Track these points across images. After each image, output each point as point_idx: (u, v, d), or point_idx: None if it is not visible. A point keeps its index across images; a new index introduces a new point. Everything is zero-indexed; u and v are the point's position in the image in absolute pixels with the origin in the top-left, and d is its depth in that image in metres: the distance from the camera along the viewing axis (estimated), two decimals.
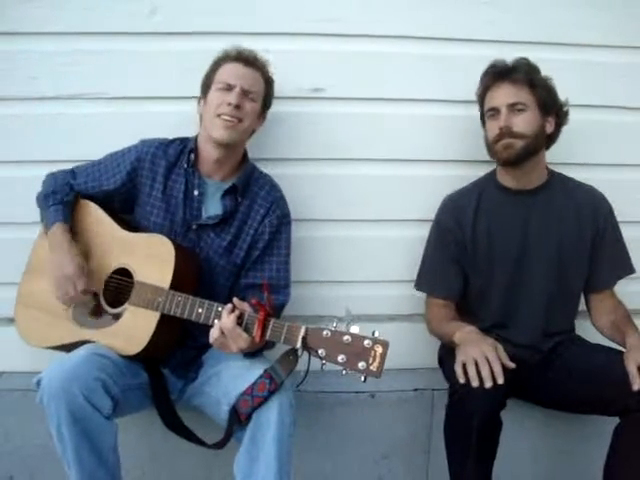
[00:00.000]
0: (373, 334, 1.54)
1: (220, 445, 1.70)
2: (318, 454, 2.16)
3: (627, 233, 2.11)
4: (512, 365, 1.74)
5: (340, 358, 1.54)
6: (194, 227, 1.90)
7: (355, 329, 1.56)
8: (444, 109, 2.22)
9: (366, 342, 1.53)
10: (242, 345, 1.64)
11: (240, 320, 1.64)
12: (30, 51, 2.07)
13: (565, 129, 2.04)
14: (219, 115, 1.84)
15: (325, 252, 2.25)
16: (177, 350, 1.87)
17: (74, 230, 1.91)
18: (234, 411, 1.63)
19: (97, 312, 1.84)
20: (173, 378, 1.89)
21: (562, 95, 2.01)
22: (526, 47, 2.12)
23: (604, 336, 2.05)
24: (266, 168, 2.04)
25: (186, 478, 2.13)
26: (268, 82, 1.96)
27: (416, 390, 2.20)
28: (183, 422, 1.81)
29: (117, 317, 1.81)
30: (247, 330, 1.63)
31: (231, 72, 1.87)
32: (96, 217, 1.94)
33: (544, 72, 1.99)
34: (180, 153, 1.94)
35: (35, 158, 2.12)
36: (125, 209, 1.99)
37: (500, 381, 1.68)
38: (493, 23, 2.18)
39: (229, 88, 1.85)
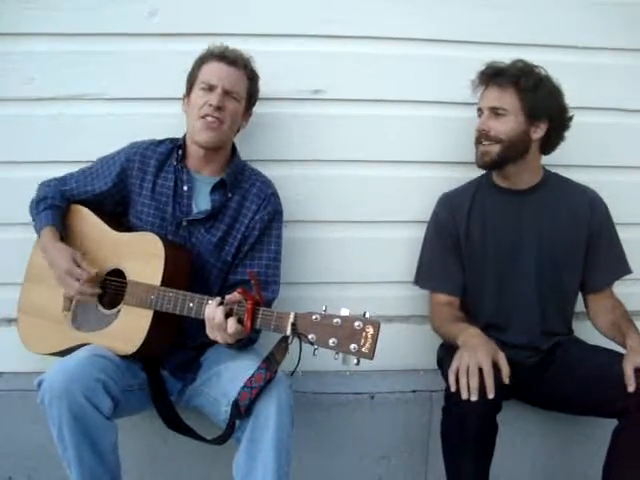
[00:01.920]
0: (364, 315, 1.50)
1: (221, 440, 1.69)
2: (317, 455, 2.16)
3: (629, 235, 2.12)
4: (507, 381, 1.73)
5: (331, 342, 1.50)
6: (184, 223, 1.89)
7: (345, 311, 1.52)
8: (442, 111, 2.22)
9: (356, 324, 1.49)
10: (230, 339, 1.62)
11: (230, 312, 1.62)
12: (28, 52, 2.07)
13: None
14: (202, 117, 1.83)
15: (323, 254, 2.25)
16: (175, 351, 1.87)
17: (68, 235, 1.92)
18: (235, 404, 1.62)
19: (95, 314, 1.84)
20: (172, 379, 1.88)
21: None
22: (526, 49, 2.12)
23: (604, 336, 2.04)
24: (265, 169, 2.04)
25: (185, 479, 2.13)
26: (252, 79, 1.93)
27: (415, 391, 2.19)
28: (182, 419, 1.81)
29: (113, 318, 1.81)
30: (239, 321, 1.61)
31: (213, 72, 1.86)
32: (89, 221, 1.95)
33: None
34: (170, 151, 1.94)
35: (34, 159, 2.12)
36: (118, 212, 1.99)
37: (490, 396, 1.67)
38: (493, 25, 2.18)
39: (211, 88, 1.84)
